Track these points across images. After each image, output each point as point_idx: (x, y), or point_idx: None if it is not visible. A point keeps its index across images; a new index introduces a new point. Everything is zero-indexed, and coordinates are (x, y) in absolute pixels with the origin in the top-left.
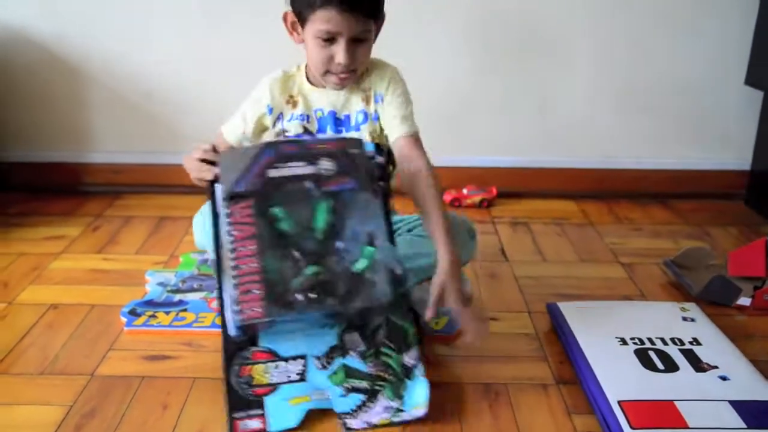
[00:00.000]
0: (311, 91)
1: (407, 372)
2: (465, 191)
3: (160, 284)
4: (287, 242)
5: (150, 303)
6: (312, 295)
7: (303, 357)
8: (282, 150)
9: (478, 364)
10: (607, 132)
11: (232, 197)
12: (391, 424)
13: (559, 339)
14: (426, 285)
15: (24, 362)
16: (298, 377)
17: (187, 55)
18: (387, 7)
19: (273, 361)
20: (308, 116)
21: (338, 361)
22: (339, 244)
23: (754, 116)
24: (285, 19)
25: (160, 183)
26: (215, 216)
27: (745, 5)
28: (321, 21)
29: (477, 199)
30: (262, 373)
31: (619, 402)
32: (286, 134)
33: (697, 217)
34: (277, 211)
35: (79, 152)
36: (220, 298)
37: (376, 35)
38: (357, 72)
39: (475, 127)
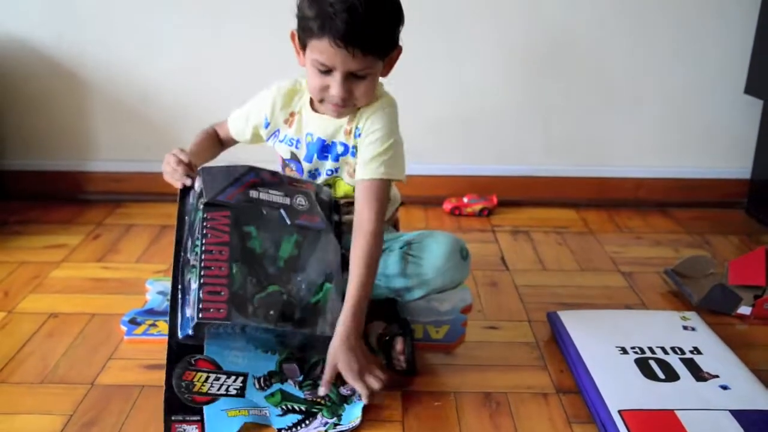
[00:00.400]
0: (309, 114)
1: (344, 399)
2: (465, 200)
3: (161, 293)
4: (254, 260)
5: (150, 312)
6: (271, 312)
7: (244, 375)
8: (264, 177)
9: (478, 373)
10: (608, 141)
11: (215, 204)
12: None
13: (560, 348)
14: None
15: (24, 371)
16: (235, 392)
17: (188, 62)
18: None
19: (214, 372)
20: (299, 140)
21: (276, 386)
22: (296, 277)
23: (754, 125)
24: (293, 38)
25: (161, 191)
26: (181, 220)
27: (745, 15)
28: (317, 51)
29: (477, 207)
30: (203, 382)
31: (619, 411)
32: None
33: (697, 226)
34: (251, 229)
35: (80, 160)
36: (174, 297)
37: (389, 67)
38: (357, 106)
39: (476, 135)
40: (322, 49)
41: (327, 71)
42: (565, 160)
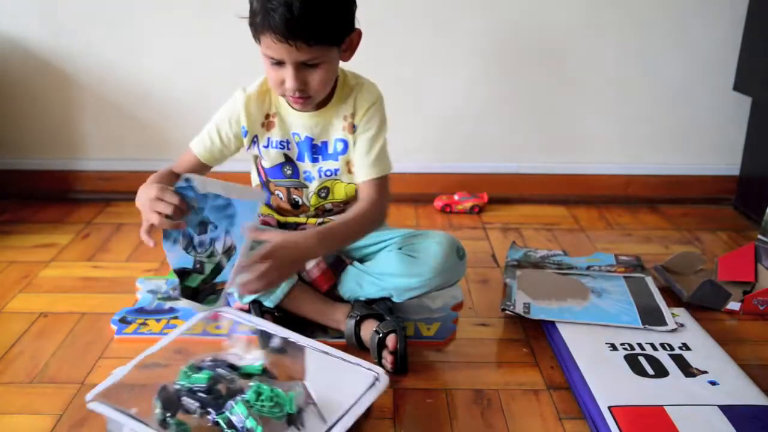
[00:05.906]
0: (289, 113)
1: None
2: (456, 197)
3: (151, 292)
4: None
5: (141, 311)
6: None
7: None
8: None
9: (469, 370)
10: (597, 138)
11: None
12: None
13: (550, 345)
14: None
15: (13, 371)
16: None
17: (179, 61)
18: (382, 14)
19: None
20: (288, 141)
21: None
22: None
23: (742, 121)
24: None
25: None
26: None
27: (733, 12)
28: (264, 45)
29: (468, 205)
30: None
31: (609, 407)
32: (262, 161)
33: (686, 222)
34: None
35: (69, 159)
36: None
37: (349, 52)
38: (314, 98)
39: (466, 133)
40: (268, 43)
41: (279, 63)
42: (555, 157)
